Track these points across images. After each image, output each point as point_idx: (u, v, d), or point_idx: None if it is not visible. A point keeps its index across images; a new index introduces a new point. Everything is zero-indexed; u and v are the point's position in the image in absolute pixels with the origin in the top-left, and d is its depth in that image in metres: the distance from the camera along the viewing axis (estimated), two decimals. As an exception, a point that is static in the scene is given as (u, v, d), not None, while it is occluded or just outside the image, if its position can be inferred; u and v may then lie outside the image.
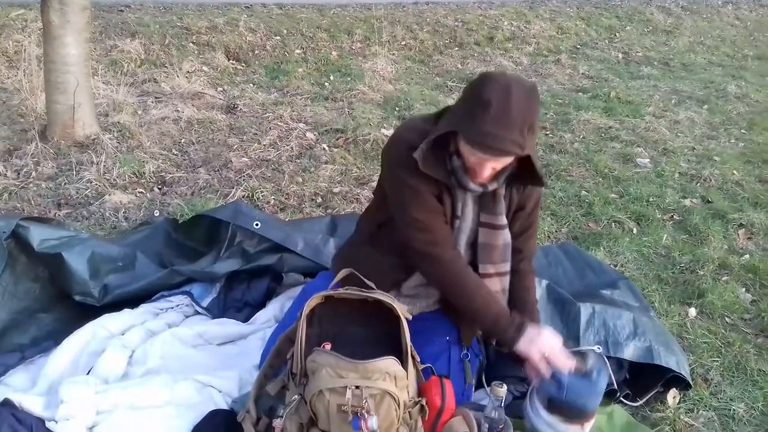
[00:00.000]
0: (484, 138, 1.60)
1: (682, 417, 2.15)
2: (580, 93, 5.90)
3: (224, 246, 2.42)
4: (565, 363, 1.78)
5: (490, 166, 1.71)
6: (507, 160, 1.71)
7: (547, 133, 4.77)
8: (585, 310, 2.29)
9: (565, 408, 1.87)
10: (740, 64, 7.60)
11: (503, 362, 2.20)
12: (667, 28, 9.02)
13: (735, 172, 4.27)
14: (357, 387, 1.57)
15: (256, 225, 2.41)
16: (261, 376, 1.92)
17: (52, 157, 3.53)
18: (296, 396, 1.73)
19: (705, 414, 2.19)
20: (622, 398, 2.20)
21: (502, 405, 1.86)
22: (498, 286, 1.95)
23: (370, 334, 1.73)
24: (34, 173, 3.39)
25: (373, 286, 1.84)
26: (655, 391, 2.23)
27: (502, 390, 1.85)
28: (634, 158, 4.38)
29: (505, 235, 1.91)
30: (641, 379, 2.26)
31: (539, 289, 2.37)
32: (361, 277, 1.83)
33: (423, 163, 1.72)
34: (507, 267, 1.95)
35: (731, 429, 2.15)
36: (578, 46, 7.77)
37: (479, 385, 2.12)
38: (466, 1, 8.67)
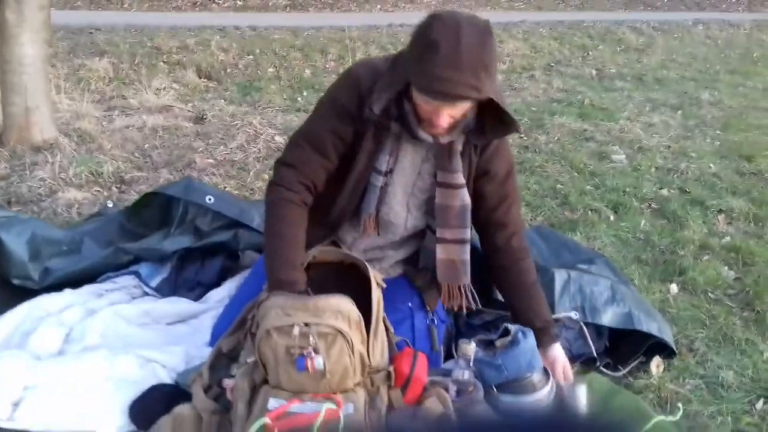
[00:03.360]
0: (435, 83, 1.47)
1: (667, 384, 2.01)
2: (554, 103, 5.86)
3: (175, 223, 2.27)
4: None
5: (447, 113, 1.56)
6: (464, 106, 1.57)
7: (521, 136, 4.69)
8: (559, 275, 2.15)
9: (517, 383, 1.72)
10: (712, 77, 7.61)
11: (473, 332, 2.06)
12: (639, 47, 9.09)
13: (712, 165, 4.18)
14: (306, 324, 1.43)
15: (209, 200, 2.27)
16: (220, 344, 1.78)
17: (5, 159, 3.39)
18: (252, 357, 1.60)
19: (692, 382, 2.05)
20: (602, 368, 2.05)
21: (471, 365, 1.72)
22: (458, 254, 1.80)
23: None
24: (-16, 174, 3.24)
25: (350, 253, 1.76)
26: (638, 360, 2.10)
27: (471, 347, 1.71)
28: (609, 155, 4.30)
29: (463, 196, 1.76)
30: (622, 348, 2.12)
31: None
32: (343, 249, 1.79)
33: (369, 110, 1.60)
34: (466, 234, 1.80)
35: (721, 395, 2.00)
36: (552, 64, 7.78)
37: (449, 356, 1.97)
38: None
